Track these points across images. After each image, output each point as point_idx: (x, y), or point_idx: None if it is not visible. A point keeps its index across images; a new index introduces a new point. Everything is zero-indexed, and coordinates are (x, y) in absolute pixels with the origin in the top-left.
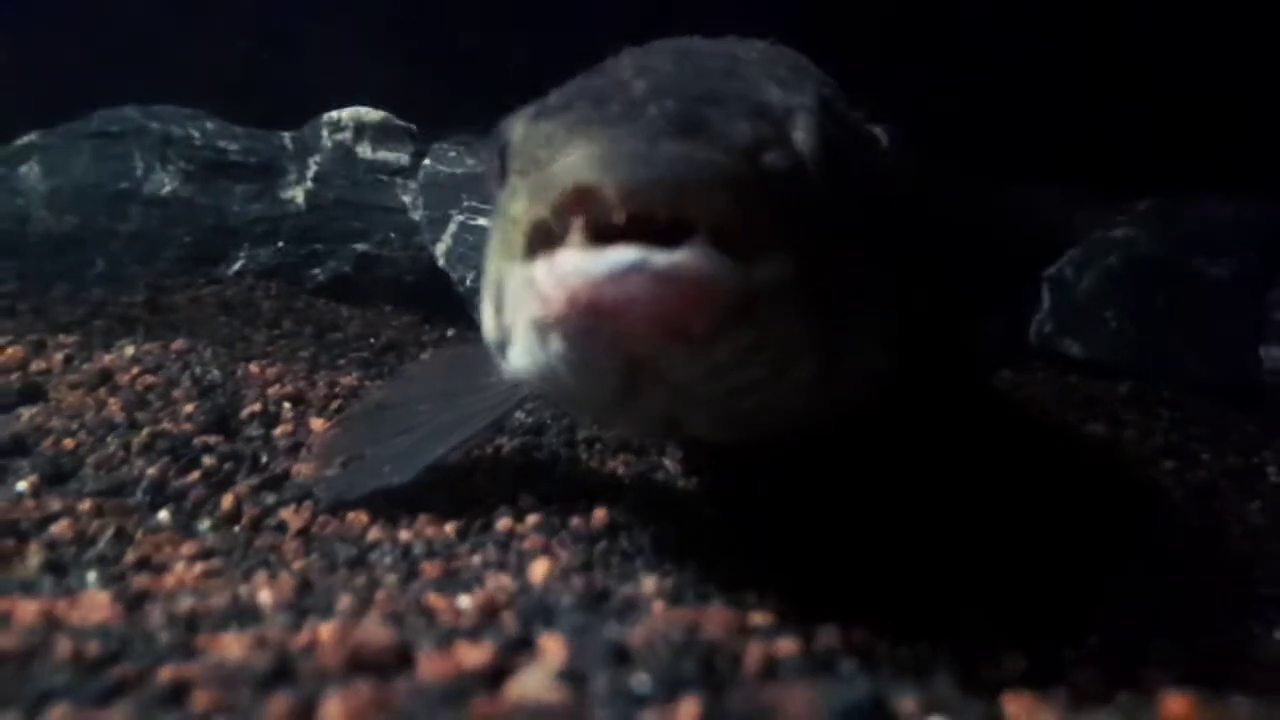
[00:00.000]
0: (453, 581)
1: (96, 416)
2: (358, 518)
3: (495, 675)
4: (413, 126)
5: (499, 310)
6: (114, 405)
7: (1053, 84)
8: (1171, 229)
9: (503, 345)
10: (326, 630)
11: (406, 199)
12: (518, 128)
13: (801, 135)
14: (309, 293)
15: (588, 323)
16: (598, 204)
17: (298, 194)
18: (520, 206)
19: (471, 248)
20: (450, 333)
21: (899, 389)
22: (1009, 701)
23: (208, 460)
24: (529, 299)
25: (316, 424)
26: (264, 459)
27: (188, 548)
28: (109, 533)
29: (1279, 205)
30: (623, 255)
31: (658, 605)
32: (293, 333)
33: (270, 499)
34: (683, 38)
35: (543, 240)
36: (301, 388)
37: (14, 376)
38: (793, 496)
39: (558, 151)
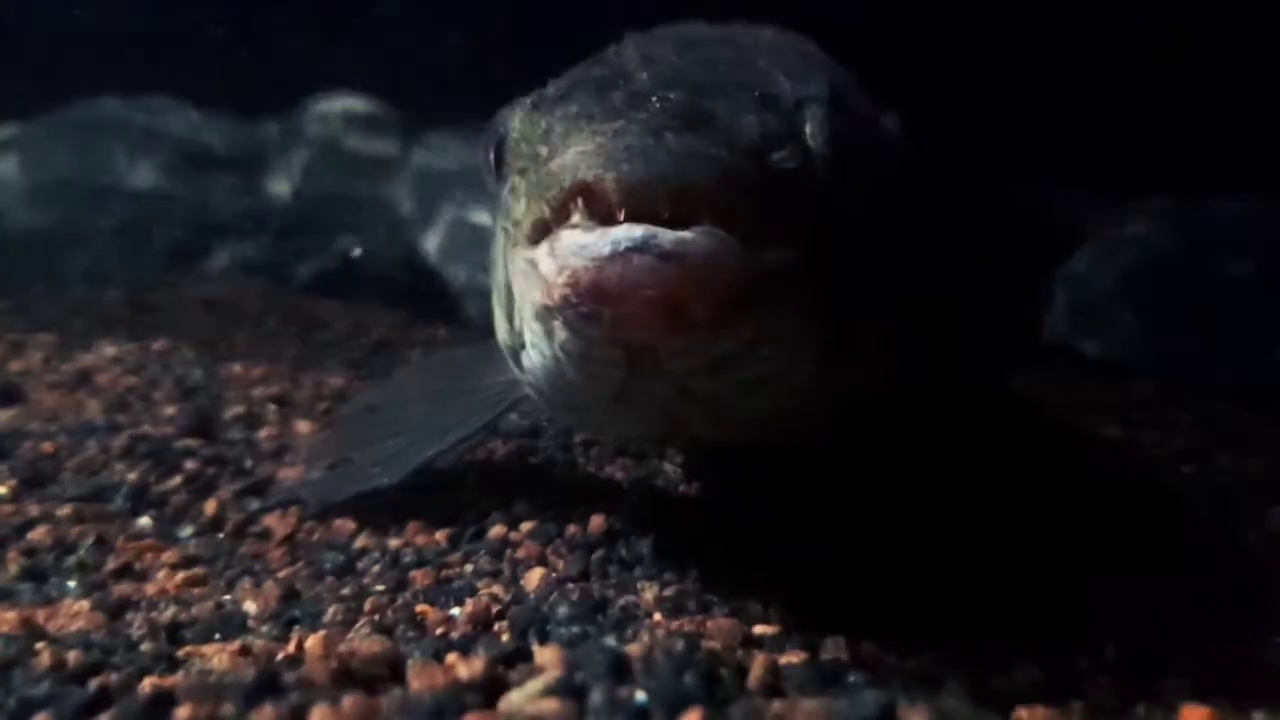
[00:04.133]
0: (444, 591)
1: (76, 419)
2: (345, 524)
3: (488, 688)
4: (403, 117)
5: (509, 316)
6: (94, 407)
7: (1066, 79)
8: (1189, 228)
9: (515, 352)
10: (313, 641)
11: (397, 193)
12: (515, 120)
13: (811, 129)
14: (295, 290)
15: (590, 306)
16: (599, 201)
17: (284, 188)
18: (521, 207)
19: (464, 244)
20: (442, 332)
21: (908, 389)
22: (1022, 714)
23: (190, 464)
24: (532, 287)
25: (302, 426)
26: (248, 463)
27: (170, 555)
28: (89, 539)
29: None
30: (627, 233)
31: (658, 615)
32: (278, 332)
33: (254, 504)
34: (688, 24)
35: (545, 238)
36: (286, 389)
37: None
38: (798, 502)
39: (558, 147)
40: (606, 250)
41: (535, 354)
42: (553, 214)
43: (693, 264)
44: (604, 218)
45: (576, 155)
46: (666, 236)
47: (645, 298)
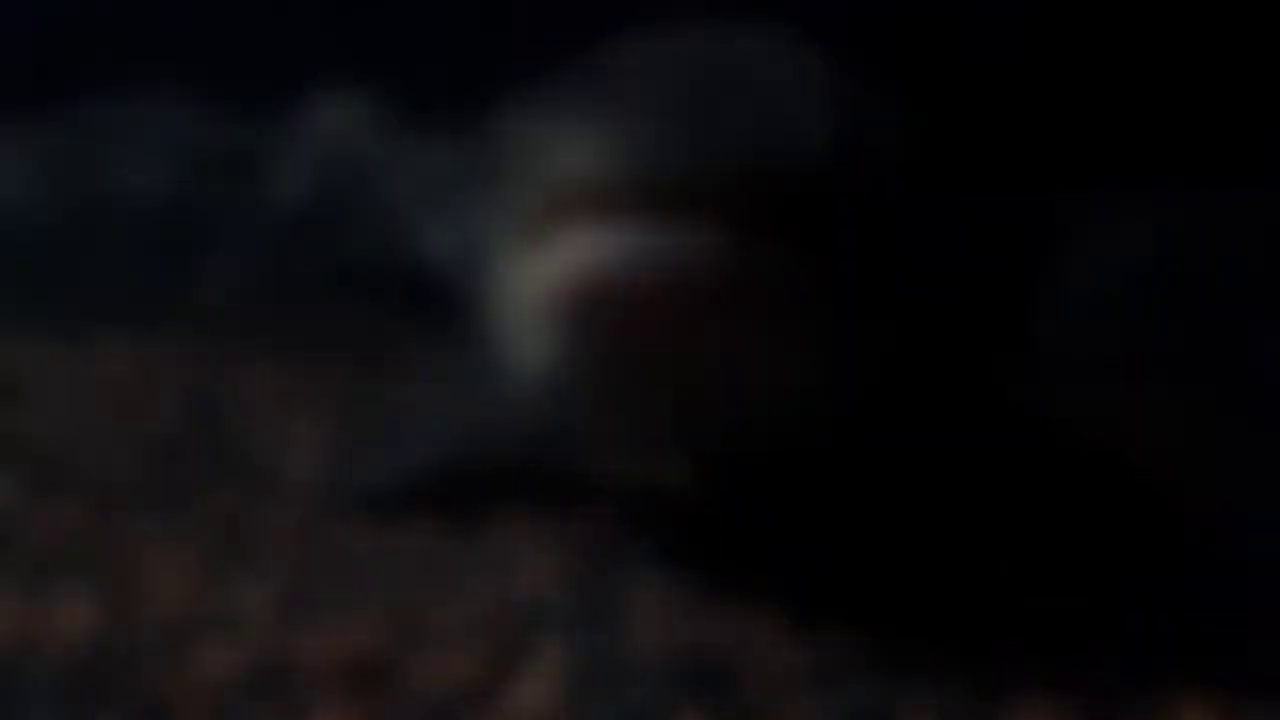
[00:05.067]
0: (445, 589)
1: (80, 417)
2: (348, 523)
3: (489, 685)
4: (406, 117)
5: (498, 313)
6: (98, 406)
7: (1065, 75)
8: (1189, 228)
9: (502, 349)
10: (315, 639)
11: (399, 193)
12: (517, 118)
13: (809, 129)
14: (298, 290)
15: (590, 314)
16: (600, 200)
17: (286, 188)
18: (517, 203)
19: (471, 245)
20: (448, 334)
21: (908, 389)
22: (1022, 710)
23: (194, 463)
24: (524, 290)
25: (305, 426)
26: (251, 462)
27: (173, 553)
28: (93, 538)
29: None
30: (627, 241)
31: (659, 612)
32: (281, 332)
33: (258, 503)
34: (689, 25)
35: (543, 238)
36: (290, 388)
37: None
38: (799, 500)
39: (559, 143)
40: (607, 259)
41: (522, 351)
42: (551, 210)
43: (695, 273)
44: (604, 214)
45: (577, 151)
46: (669, 244)
47: (645, 307)
